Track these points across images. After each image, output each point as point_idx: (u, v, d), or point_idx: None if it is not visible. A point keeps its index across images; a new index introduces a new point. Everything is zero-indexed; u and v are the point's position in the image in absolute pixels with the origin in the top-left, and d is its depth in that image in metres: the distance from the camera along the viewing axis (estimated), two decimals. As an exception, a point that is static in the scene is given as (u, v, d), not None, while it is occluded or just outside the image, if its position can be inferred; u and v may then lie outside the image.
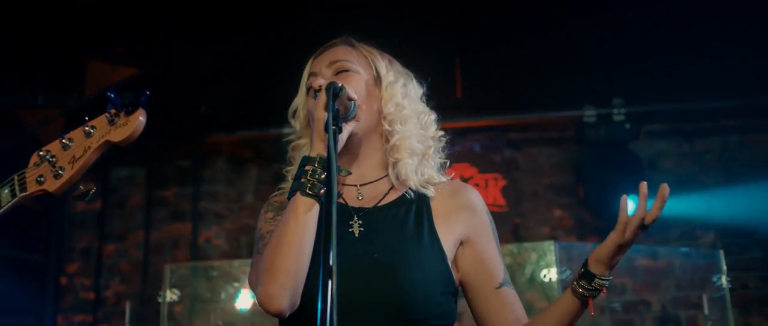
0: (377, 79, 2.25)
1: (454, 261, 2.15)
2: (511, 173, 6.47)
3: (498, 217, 6.14)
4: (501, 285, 2.13)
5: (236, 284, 5.67)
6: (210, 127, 6.55)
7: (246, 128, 6.49)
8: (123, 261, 6.67)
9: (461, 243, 2.16)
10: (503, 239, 6.12)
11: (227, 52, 5.51)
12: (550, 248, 5.10)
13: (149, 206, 6.77)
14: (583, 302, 2.03)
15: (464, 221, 2.18)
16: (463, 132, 6.48)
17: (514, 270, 5.20)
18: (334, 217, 1.65)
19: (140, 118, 1.74)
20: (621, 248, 1.99)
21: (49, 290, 5.74)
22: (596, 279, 2.00)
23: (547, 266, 5.01)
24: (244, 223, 6.60)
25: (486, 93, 6.02)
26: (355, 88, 2.13)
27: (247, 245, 6.54)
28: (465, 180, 6.37)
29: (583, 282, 2.02)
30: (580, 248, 5.56)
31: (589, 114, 5.99)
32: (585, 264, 2.04)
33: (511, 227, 6.33)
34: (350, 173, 2.15)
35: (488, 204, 6.15)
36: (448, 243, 2.13)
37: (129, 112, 1.75)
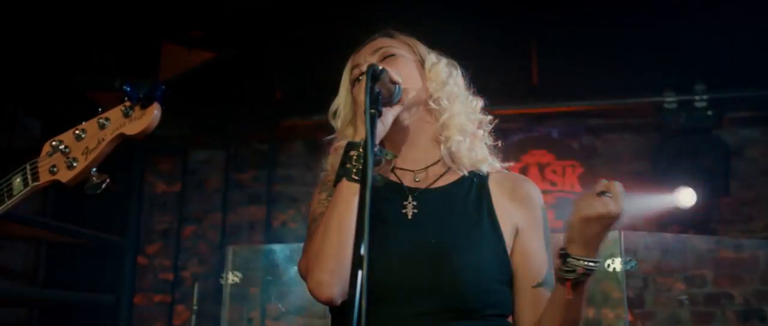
0: (421, 62, 2.23)
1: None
2: (588, 160, 6.35)
3: (574, 205, 6.11)
4: (539, 285, 2.04)
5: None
6: (286, 111, 6.58)
7: (321, 112, 6.46)
8: (201, 243, 6.79)
9: (516, 233, 2.08)
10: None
11: (301, 36, 5.52)
12: (614, 237, 4.97)
13: (227, 189, 6.86)
14: (568, 285, 1.89)
15: (521, 212, 2.10)
16: (540, 118, 6.38)
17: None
18: (369, 205, 1.59)
19: (155, 111, 1.75)
20: (589, 221, 1.82)
21: (127, 269, 5.89)
22: (569, 260, 1.86)
23: (612, 256, 4.88)
24: (318, 207, 6.61)
25: (563, 78, 5.90)
26: (403, 70, 2.11)
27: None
28: (542, 166, 6.29)
29: (558, 261, 1.89)
30: (648, 238, 5.41)
31: (670, 100, 5.82)
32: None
33: (588, 215, 6.21)
34: (396, 156, 2.13)
35: (565, 191, 6.16)
36: (507, 229, 2.06)
37: (144, 106, 1.76)
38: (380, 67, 1.92)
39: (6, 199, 1.88)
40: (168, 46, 5.71)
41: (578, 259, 1.85)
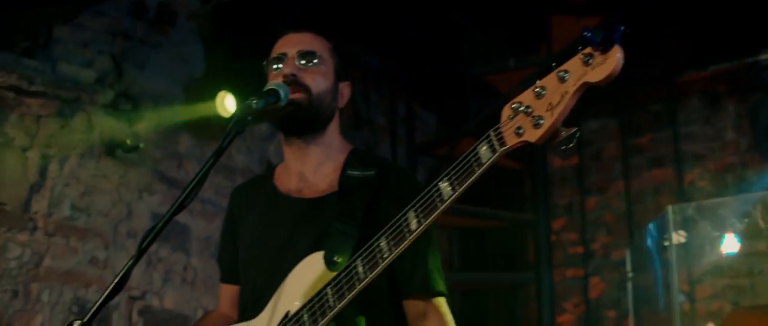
0: None
1: None
2: None
3: None
4: None
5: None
6: (679, 66, 6.26)
7: (718, 61, 6.07)
8: (606, 213, 6.71)
9: None
10: None
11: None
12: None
13: (625, 155, 6.72)
14: None
15: None
16: None
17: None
18: None
19: (617, 54, 1.70)
20: None
21: (542, 246, 5.95)
22: None
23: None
24: (727, 162, 6.23)
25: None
26: None
27: (733, 184, 6.14)
28: None
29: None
30: None
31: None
32: None
33: None
34: None
35: None
36: None
37: (604, 50, 1.71)
38: None
39: (476, 169, 1.93)
40: (557, 18, 5.73)
41: None
